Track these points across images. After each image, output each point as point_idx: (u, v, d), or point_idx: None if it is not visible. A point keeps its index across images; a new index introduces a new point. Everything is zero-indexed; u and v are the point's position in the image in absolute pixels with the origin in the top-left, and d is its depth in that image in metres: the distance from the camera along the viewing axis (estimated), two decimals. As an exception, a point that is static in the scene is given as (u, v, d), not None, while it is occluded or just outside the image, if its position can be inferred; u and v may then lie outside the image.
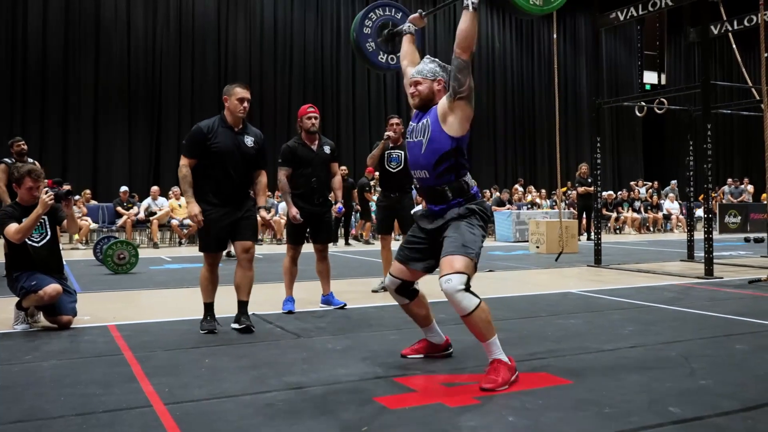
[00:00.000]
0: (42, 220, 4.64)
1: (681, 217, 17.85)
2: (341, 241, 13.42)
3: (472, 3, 3.25)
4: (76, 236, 11.88)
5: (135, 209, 13.08)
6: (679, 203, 18.35)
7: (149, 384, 3.16)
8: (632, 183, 20.05)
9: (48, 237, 4.70)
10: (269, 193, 8.40)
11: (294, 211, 5.27)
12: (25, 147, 7.82)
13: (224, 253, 4.81)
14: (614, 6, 8.79)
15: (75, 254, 10.97)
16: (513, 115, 22.79)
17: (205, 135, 4.35)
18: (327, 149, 5.44)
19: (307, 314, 5.16)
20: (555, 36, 9.44)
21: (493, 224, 14.70)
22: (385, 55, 4.46)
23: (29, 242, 4.59)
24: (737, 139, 26.16)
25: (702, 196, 8.98)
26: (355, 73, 19.97)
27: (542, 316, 5.07)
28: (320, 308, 5.41)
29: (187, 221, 12.63)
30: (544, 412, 2.71)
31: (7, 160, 7.46)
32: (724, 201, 18.18)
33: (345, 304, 5.43)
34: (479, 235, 3.32)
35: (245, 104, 4.42)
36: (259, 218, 4.67)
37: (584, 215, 14.55)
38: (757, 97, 8.84)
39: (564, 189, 17.75)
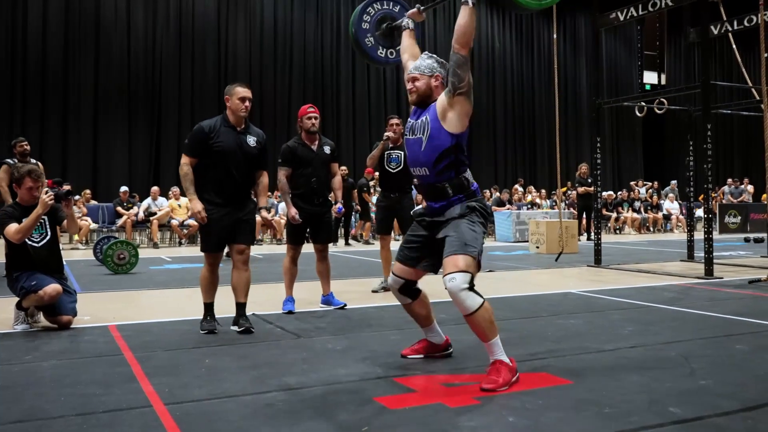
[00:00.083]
0: (42, 220, 4.64)
1: (681, 217, 17.85)
2: (341, 242, 13.42)
3: None
4: (76, 236, 11.88)
5: (135, 209, 13.07)
6: (679, 203, 18.35)
7: (149, 384, 3.16)
8: (632, 183, 20.05)
9: (48, 237, 4.70)
10: (269, 193, 8.37)
11: (293, 211, 5.27)
12: (28, 147, 7.83)
13: (224, 253, 4.80)
14: (614, 6, 8.79)
15: (75, 254, 10.97)
16: (513, 115, 22.79)
17: (207, 134, 4.35)
18: (327, 149, 5.44)
19: (307, 314, 5.16)
20: (555, 36, 9.44)
21: (493, 224, 14.71)
22: (384, 50, 4.45)
23: (29, 242, 4.59)
24: (737, 139, 26.16)
25: (702, 196, 8.99)
26: (355, 73, 19.98)
27: (542, 316, 5.07)
28: (320, 308, 5.41)
29: (189, 221, 12.66)
30: (544, 413, 2.72)
31: (9, 160, 7.47)
32: (724, 201, 18.19)
33: (345, 305, 5.43)
34: (480, 233, 3.32)
35: (247, 103, 4.42)
36: (259, 218, 4.67)
37: (584, 215, 14.55)
38: (757, 98, 8.85)
39: (564, 189, 17.75)
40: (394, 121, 6.29)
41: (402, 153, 6.24)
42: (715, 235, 11.78)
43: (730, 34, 9.56)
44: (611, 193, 18.09)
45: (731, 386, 3.08)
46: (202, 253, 4.54)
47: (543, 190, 18.92)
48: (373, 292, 6.34)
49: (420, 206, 3.69)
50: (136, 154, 17.22)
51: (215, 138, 4.35)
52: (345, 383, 3.19)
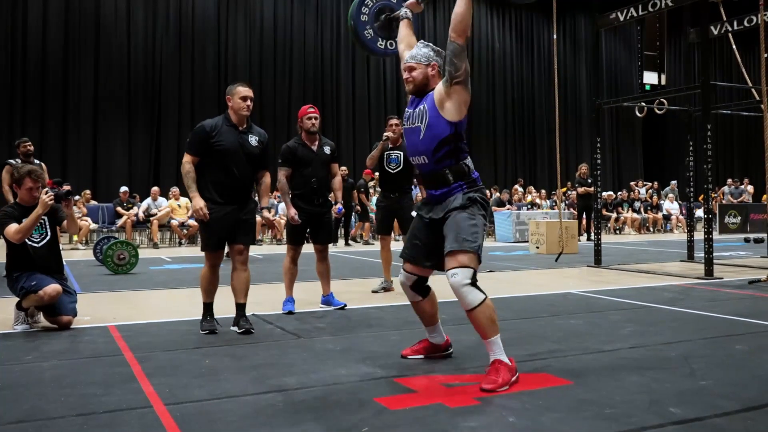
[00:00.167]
0: (42, 221, 4.64)
1: (681, 217, 17.86)
2: (341, 242, 13.43)
3: None
4: (76, 237, 11.88)
5: (135, 210, 13.07)
6: (679, 203, 18.36)
7: (149, 384, 3.16)
8: (632, 183, 20.05)
9: (48, 237, 4.70)
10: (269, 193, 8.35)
11: (292, 212, 5.27)
12: (32, 148, 7.85)
13: (224, 253, 4.80)
14: (614, 6, 8.79)
15: (75, 254, 10.97)
16: (513, 115, 22.80)
17: (208, 133, 4.36)
18: (327, 150, 5.44)
19: (307, 315, 5.16)
20: (555, 36, 9.43)
21: (493, 224, 14.72)
22: (384, 41, 4.44)
23: (29, 243, 4.59)
24: (737, 139, 26.17)
25: (702, 196, 8.99)
26: (355, 73, 19.99)
27: (542, 317, 5.07)
28: (320, 309, 5.41)
29: (189, 221, 12.66)
30: (545, 413, 2.72)
31: (11, 161, 7.48)
32: (724, 201, 18.20)
33: (345, 305, 5.43)
34: (480, 226, 3.31)
35: (249, 102, 4.43)
36: (260, 218, 4.67)
37: (584, 216, 14.55)
38: (757, 98, 8.85)
39: (564, 189, 17.76)
40: (394, 121, 6.29)
41: (402, 153, 6.25)
42: (715, 235, 11.78)
43: (730, 35, 9.57)
44: (611, 193, 18.10)
45: (731, 386, 3.08)
46: (203, 253, 4.54)
47: (543, 191, 18.92)
48: (373, 292, 6.34)
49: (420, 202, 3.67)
50: (136, 154, 17.22)
51: (217, 137, 4.35)
52: (345, 384, 3.19)
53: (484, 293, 3.21)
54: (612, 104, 10.44)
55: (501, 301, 5.75)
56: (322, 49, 19.55)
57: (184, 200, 13.18)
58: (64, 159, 16.24)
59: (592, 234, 9.86)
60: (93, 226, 12.55)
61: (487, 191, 17.85)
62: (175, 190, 13.48)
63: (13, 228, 4.49)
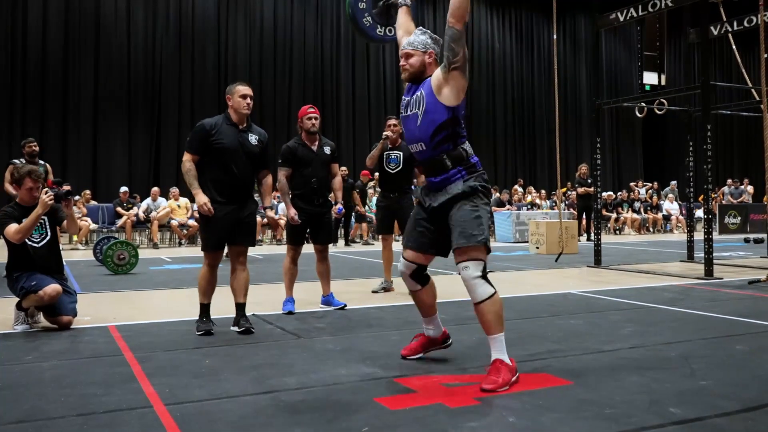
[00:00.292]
0: (42, 221, 4.64)
1: (681, 217, 17.86)
2: (341, 242, 13.43)
3: None
4: (76, 237, 11.88)
5: (135, 210, 13.07)
6: (679, 204, 18.37)
7: (149, 384, 3.16)
8: (632, 184, 20.05)
9: (48, 237, 4.70)
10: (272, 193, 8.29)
11: (292, 212, 5.27)
12: (37, 149, 7.86)
13: (225, 253, 4.80)
14: (614, 7, 8.79)
15: (75, 255, 10.97)
16: (513, 115, 22.80)
17: (208, 132, 4.36)
18: (327, 150, 5.44)
19: (307, 315, 5.16)
20: (555, 36, 9.43)
21: (493, 225, 14.72)
22: (383, 28, 4.43)
23: (29, 243, 4.59)
24: (737, 139, 26.18)
25: (702, 196, 8.99)
26: (355, 73, 20.00)
27: (542, 317, 5.07)
28: (320, 309, 5.41)
29: (189, 221, 12.66)
30: (545, 413, 2.72)
31: (16, 161, 7.49)
32: (723, 202, 18.20)
33: (345, 305, 5.43)
34: (484, 216, 3.29)
35: (248, 101, 4.43)
36: (259, 219, 4.67)
37: (584, 216, 14.56)
38: (757, 98, 8.84)
39: (564, 189, 17.76)
40: (392, 121, 6.30)
41: (401, 153, 6.26)
42: (715, 235, 11.79)
43: (729, 35, 9.57)
44: (611, 193, 18.10)
45: (731, 386, 3.08)
46: (202, 253, 4.54)
47: (543, 191, 18.92)
48: (373, 292, 6.35)
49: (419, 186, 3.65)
50: (136, 154, 17.22)
51: (217, 135, 4.35)
52: (345, 384, 3.19)
53: (494, 288, 3.22)
54: (612, 104, 10.44)
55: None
56: (322, 49, 19.55)
57: (183, 200, 13.18)
58: (64, 159, 16.25)
59: (592, 234, 9.86)
60: (93, 226, 12.56)
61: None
62: (174, 190, 13.49)
63: (13, 228, 4.49)
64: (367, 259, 10.22)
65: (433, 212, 3.40)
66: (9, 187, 7.23)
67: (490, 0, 22.44)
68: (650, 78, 25.27)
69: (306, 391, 3.08)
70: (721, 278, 7.32)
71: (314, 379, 3.27)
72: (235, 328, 4.42)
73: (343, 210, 5.99)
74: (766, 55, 7.01)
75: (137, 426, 2.61)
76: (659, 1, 8.05)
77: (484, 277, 3.21)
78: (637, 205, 17.86)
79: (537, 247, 11.35)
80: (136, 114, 17.25)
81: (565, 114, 22.60)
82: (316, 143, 5.40)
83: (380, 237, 6.78)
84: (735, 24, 9.32)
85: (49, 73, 16.28)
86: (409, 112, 3.42)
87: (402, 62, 3.46)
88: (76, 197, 12.44)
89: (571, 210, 15.63)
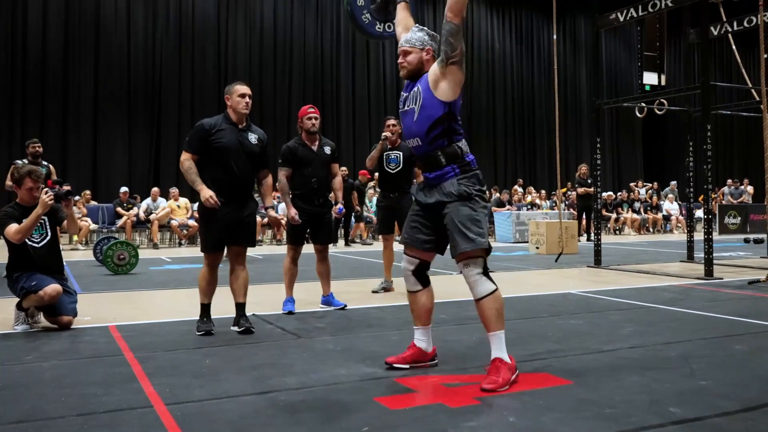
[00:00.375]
0: (42, 221, 4.64)
1: (681, 217, 17.87)
2: (341, 242, 13.43)
3: None
4: (76, 237, 11.88)
5: (135, 210, 13.08)
6: (679, 204, 18.37)
7: (150, 384, 3.16)
8: (632, 184, 20.06)
9: (48, 237, 4.70)
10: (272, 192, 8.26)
11: (293, 212, 5.27)
12: (40, 150, 7.86)
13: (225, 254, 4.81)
14: (614, 7, 8.80)
15: (75, 255, 10.97)
16: (513, 115, 22.81)
17: (208, 131, 4.36)
18: (327, 150, 5.45)
19: (307, 315, 5.16)
20: (555, 37, 9.43)
21: (493, 225, 14.72)
22: (382, 25, 4.42)
23: (29, 243, 4.59)
24: (737, 140, 26.19)
25: (702, 196, 8.99)
26: (355, 73, 20.00)
27: (542, 317, 5.07)
28: (320, 309, 5.42)
29: (189, 222, 12.66)
30: (545, 413, 2.72)
31: (18, 161, 7.50)
32: (723, 202, 18.21)
33: (345, 306, 5.43)
34: (482, 217, 3.28)
35: (247, 99, 4.43)
36: (260, 219, 4.66)
37: (584, 216, 14.56)
38: (757, 98, 8.85)
39: (564, 190, 17.76)
40: (391, 122, 6.30)
41: (401, 153, 6.26)
42: (715, 235, 11.79)
43: (729, 35, 9.57)
44: (611, 193, 18.11)
45: (731, 386, 3.08)
46: (202, 254, 4.54)
47: (543, 191, 18.93)
48: (374, 292, 6.35)
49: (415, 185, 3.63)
50: (136, 154, 17.23)
51: (216, 135, 4.35)
52: (345, 383, 3.19)
53: (495, 284, 3.23)
54: (612, 104, 10.45)
55: (501, 302, 5.75)
56: (322, 49, 19.55)
57: (183, 200, 13.18)
58: (64, 159, 16.25)
59: (592, 234, 9.86)
60: (93, 226, 12.56)
61: (487, 191, 17.92)
62: (174, 190, 13.49)
63: (13, 228, 4.49)
64: (367, 259, 10.22)
65: (427, 209, 3.39)
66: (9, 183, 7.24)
67: (490, 0, 22.44)
68: (650, 78, 25.28)
69: (306, 391, 3.08)
70: (721, 278, 7.32)
71: (314, 379, 3.27)
72: (235, 328, 4.42)
73: (344, 210, 5.99)
74: (766, 56, 7.01)
75: (137, 426, 2.61)
76: (659, 1, 8.05)
77: (485, 273, 3.22)
78: (637, 205, 17.86)
79: (537, 247, 11.35)
80: (136, 114, 17.25)
81: (565, 114, 22.60)
82: (317, 143, 5.40)
83: (381, 237, 6.78)
84: (735, 24, 9.32)
85: (49, 73, 16.28)
86: (406, 108, 3.43)
87: (400, 59, 3.47)
88: (76, 197, 12.44)
89: (571, 210, 15.63)
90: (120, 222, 12.83)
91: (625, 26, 20.19)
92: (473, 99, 21.82)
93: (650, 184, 20.27)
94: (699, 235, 9.27)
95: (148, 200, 13.26)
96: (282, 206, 10.73)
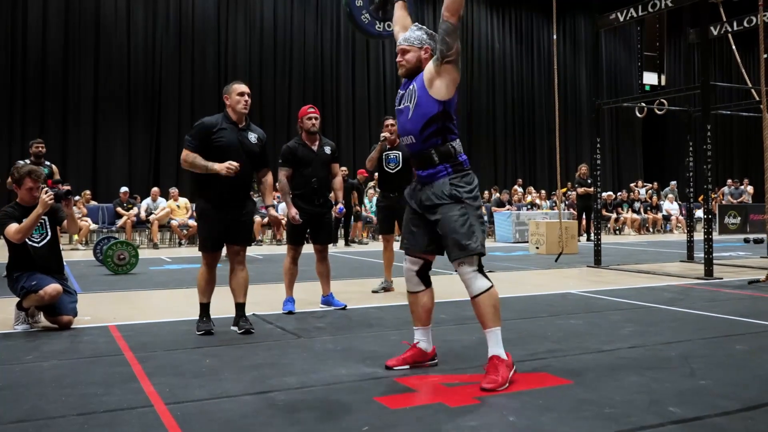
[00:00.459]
0: (42, 221, 4.65)
1: (680, 217, 17.87)
2: (341, 242, 13.43)
3: None
4: (76, 237, 11.88)
5: (135, 210, 13.08)
6: (679, 204, 18.38)
7: (150, 384, 3.16)
8: (632, 185, 20.06)
9: (48, 237, 4.70)
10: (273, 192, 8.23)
11: (293, 211, 5.27)
12: (43, 150, 7.88)
13: (224, 254, 4.81)
14: (614, 7, 8.80)
15: (75, 255, 10.97)
16: (513, 115, 22.80)
17: (209, 129, 4.36)
18: (327, 150, 5.45)
19: (307, 315, 5.16)
20: (555, 37, 9.43)
21: (493, 225, 14.72)
22: (381, 24, 4.43)
23: (29, 242, 4.60)
24: (737, 140, 26.19)
25: (702, 196, 9.00)
26: (355, 73, 20.00)
27: (542, 317, 5.07)
28: (320, 309, 5.42)
29: (189, 221, 12.66)
30: (544, 412, 2.72)
31: (20, 162, 7.50)
32: (723, 202, 18.21)
33: (345, 306, 5.43)
34: (476, 220, 3.26)
35: (246, 98, 4.43)
36: (259, 219, 4.66)
37: (584, 216, 14.56)
38: (757, 98, 8.85)
39: (564, 190, 17.76)
40: (389, 122, 6.30)
41: (400, 153, 6.26)
42: (715, 235, 11.79)
43: (729, 35, 9.57)
44: (611, 193, 18.11)
45: (731, 386, 3.08)
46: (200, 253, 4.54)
47: (543, 191, 18.93)
48: (373, 292, 6.35)
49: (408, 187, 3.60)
50: (136, 154, 17.22)
51: (217, 134, 4.35)
52: (345, 383, 3.19)
53: (490, 281, 3.24)
54: (612, 104, 10.45)
55: (501, 301, 5.73)
56: (322, 49, 19.55)
57: (183, 200, 13.18)
58: (64, 159, 16.23)
59: (592, 234, 9.86)
60: (93, 226, 12.56)
61: (487, 192, 17.94)
62: (174, 190, 13.49)
63: (13, 228, 4.49)
64: (367, 259, 10.22)
65: (420, 208, 3.39)
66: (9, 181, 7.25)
67: (490, 0, 22.44)
68: (650, 78, 25.27)
69: (306, 390, 3.08)
70: (721, 278, 7.32)
71: (314, 378, 3.27)
72: (235, 329, 4.42)
73: (344, 210, 5.99)
74: (765, 56, 7.01)
75: (137, 425, 2.61)
76: (659, 1, 8.06)
77: (479, 271, 3.23)
78: (637, 205, 17.86)
79: (537, 247, 11.36)
80: (136, 114, 17.24)
81: (565, 114, 22.60)
82: (317, 143, 5.41)
83: (381, 237, 6.78)
84: (735, 24, 9.32)
85: (49, 73, 16.28)
86: (401, 105, 3.44)
87: (398, 58, 3.47)
88: (76, 197, 12.45)
89: (571, 210, 15.63)
90: (120, 222, 12.83)
91: (625, 26, 20.19)
92: (473, 99, 21.82)
93: (650, 185, 20.27)
94: (699, 235, 9.26)
95: (148, 200, 13.26)
96: (282, 206, 10.74)
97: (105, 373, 3.38)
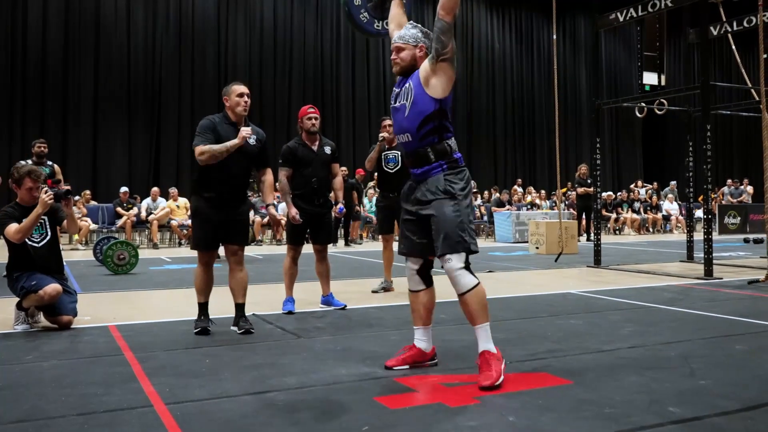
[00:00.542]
0: (42, 221, 4.65)
1: (680, 217, 17.86)
2: (341, 242, 13.42)
3: None
4: (76, 237, 11.88)
5: (135, 210, 13.08)
6: (679, 204, 18.37)
7: (150, 384, 3.16)
8: (631, 186, 20.04)
9: (48, 237, 4.70)
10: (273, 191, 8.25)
11: (294, 211, 5.27)
12: (46, 149, 7.88)
13: (221, 254, 4.81)
14: (614, 7, 8.80)
15: (75, 255, 10.97)
16: (513, 115, 22.81)
17: (215, 125, 4.36)
18: (327, 150, 5.45)
19: (307, 315, 5.16)
20: (555, 37, 9.43)
21: (493, 225, 14.72)
22: (380, 23, 4.43)
23: (29, 242, 4.60)
24: (737, 140, 26.19)
25: (701, 196, 9.00)
26: (355, 73, 20.00)
27: (542, 317, 5.07)
28: (320, 309, 5.42)
29: (189, 222, 12.66)
30: (544, 413, 2.72)
31: (22, 162, 7.50)
32: (723, 202, 18.21)
33: (345, 306, 5.43)
34: (467, 217, 3.26)
35: (245, 98, 4.42)
36: (259, 219, 4.66)
37: (584, 216, 14.56)
38: (757, 98, 8.85)
39: (564, 190, 17.77)
40: (387, 122, 6.30)
41: (398, 153, 6.25)
42: (715, 235, 11.79)
43: (729, 35, 9.57)
44: (611, 193, 18.11)
45: (731, 386, 3.08)
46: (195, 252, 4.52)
47: (543, 191, 18.93)
48: (373, 292, 6.35)
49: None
50: (136, 154, 17.23)
51: (219, 132, 4.36)
52: (345, 383, 3.19)
53: (477, 278, 3.25)
54: (612, 105, 10.45)
55: (501, 301, 5.76)
56: (322, 49, 19.55)
57: (182, 200, 13.18)
58: (64, 159, 16.22)
59: (592, 234, 9.86)
60: (93, 226, 12.56)
61: (487, 192, 17.95)
62: (173, 190, 13.49)
63: (13, 228, 4.49)
64: (367, 259, 10.22)
65: (417, 217, 3.38)
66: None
67: (490, 0, 22.44)
68: (650, 78, 25.28)
69: (306, 390, 3.08)
70: (721, 278, 7.32)
71: (314, 378, 3.27)
72: (235, 329, 4.42)
73: (344, 210, 5.99)
74: (765, 56, 7.01)
75: (137, 425, 2.61)
76: (659, 1, 8.06)
77: (466, 268, 3.24)
78: (636, 205, 17.86)
79: (537, 247, 11.36)
80: (136, 114, 17.25)
81: (564, 114, 22.61)
82: (317, 143, 5.41)
83: (380, 237, 6.79)
84: (735, 24, 9.32)
85: (49, 73, 16.28)
86: (397, 104, 3.44)
87: (393, 56, 3.47)
88: (76, 197, 12.44)
89: (571, 210, 15.63)
90: (120, 222, 12.83)
91: (625, 26, 20.20)
92: (473, 99, 21.83)
93: (649, 186, 20.25)
94: (699, 235, 9.25)
95: (148, 200, 13.27)
96: (282, 206, 10.74)
97: (105, 373, 3.38)
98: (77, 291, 5.18)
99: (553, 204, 17.64)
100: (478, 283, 3.25)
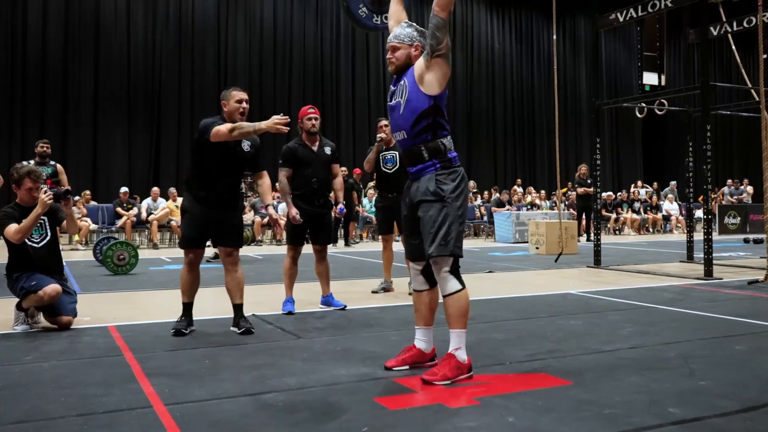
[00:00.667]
0: (42, 221, 4.65)
1: (680, 218, 17.86)
2: (341, 242, 13.42)
3: None
4: (76, 237, 11.88)
5: (135, 210, 13.08)
6: (679, 204, 18.37)
7: (149, 384, 3.16)
8: (632, 186, 20.03)
9: (48, 238, 4.70)
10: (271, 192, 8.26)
11: (294, 211, 5.27)
12: (48, 150, 7.86)
13: (213, 255, 4.79)
14: (614, 7, 8.80)
15: (75, 255, 10.97)
16: (513, 115, 22.81)
17: (213, 123, 4.34)
18: (328, 150, 5.45)
19: (307, 315, 5.16)
20: (555, 37, 9.43)
21: (493, 225, 14.71)
22: (379, 17, 4.43)
23: (29, 243, 4.60)
24: (736, 140, 26.19)
25: (701, 197, 9.00)
26: (355, 73, 20.00)
27: (542, 317, 5.07)
28: (320, 309, 5.42)
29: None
30: (544, 413, 2.72)
31: (24, 162, 7.51)
32: (723, 202, 18.21)
33: (345, 306, 5.43)
34: (455, 218, 3.25)
35: (244, 104, 4.42)
36: (259, 219, 4.66)
37: (584, 216, 14.56)
38: (756, 99, 8.85)
39: (564, 190, 17.77)
40: (384, 123, 6.29)
41: (397, 153, 6.25)
42: (715, 236, 11.79)
43: (729, 35, 9.57)
44: (611, 193, 18.11)
45: (731, 387, 3.08)
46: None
47: (542, 191, 18.93)
48: (373, 292, 6.35)
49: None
50: (136, 154, 17.23)
51: None
52: (345, 384, 3.19)
53: (462, 284, 3.26)
54: (612, 105, 10.44)
55: (501, 302, 5.76)
56: (322, 49, 19.56)
57: (182, 201, 13.16)
58: (64, 159, 16.19)
59: (592, 234, 9.86)
60: (93, 226, 12.56)
61: (487, 192, 17.95)
62: (173, 190, 13.48)
63: (12, 228, 4.49)
64: (367, 259, 10.22)
65: (414, 220, 3.39)
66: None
67: (490, 0, 22.44)
68: (650, 78, 25.28)
69: (306, 391, 3.08)
70: (721, 278, 7.32)
71: (314, 379, 3.27)
72: (235, 329, 4.42)
73: (345, 210, 5.99)
74: (765, 56, 7.01)
75: (137, 426, 2.61)
76: (659, 1, 8.06)
77: (452, 272, 3.26)
78: (636, 205, 17.86)
79: (537, 248, 11.36)
80: (136, 114, 17.25)
81: (564, 114, 22.61)
82: (317, 144, 5.41)
83: (380, 237, 6.79)
84: (734, 24, 9.32)
85: (49, 73, 16.28)
86: (393, 102, 3.45)
87: (388, 55, 3.48)
88: (76, 197, 12.44)
89: (571, 210, 15.63)
90: (120, 222, 12.83)
91: (625, 26, 20.19)
92: (473, 99, 21.83)
93: (649, 187, 20.23)
94: (699, 236, 9.25)
95: (149, 200, 13.26)
96: (282, 206, 10.74)
97: (105, 374, 3.38)
98: (77, 291, 5.18)
99: (553, 204, 17.64)
100: (461, 289, 3.25)
